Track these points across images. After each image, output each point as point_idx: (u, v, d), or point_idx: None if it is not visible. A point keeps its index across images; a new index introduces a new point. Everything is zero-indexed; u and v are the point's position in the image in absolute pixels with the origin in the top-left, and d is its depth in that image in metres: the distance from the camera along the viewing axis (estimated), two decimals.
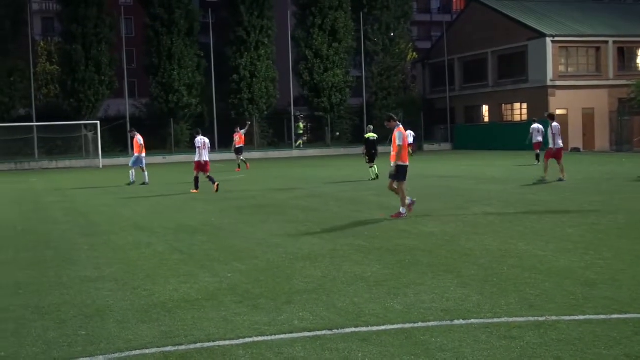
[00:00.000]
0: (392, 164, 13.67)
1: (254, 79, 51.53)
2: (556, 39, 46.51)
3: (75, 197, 21.63)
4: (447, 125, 55.71)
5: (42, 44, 58.90)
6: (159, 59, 49.51)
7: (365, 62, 55.36)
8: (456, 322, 6.29)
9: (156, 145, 50.93)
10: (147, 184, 24.85)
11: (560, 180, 20.69)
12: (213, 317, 6.70)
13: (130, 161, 25.89)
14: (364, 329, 6.17)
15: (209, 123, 50.96)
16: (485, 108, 53.53)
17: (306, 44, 53.27)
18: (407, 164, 13.80)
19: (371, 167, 23.83)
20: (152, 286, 8.16)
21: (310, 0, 53.27)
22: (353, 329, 6.17)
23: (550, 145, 21.25)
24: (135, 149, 25.40)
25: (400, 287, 7.70)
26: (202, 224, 13.74)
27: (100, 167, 42.29)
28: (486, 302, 6.95)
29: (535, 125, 30.68)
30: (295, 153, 51.37)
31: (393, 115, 14.04)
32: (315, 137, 57.38)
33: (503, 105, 51.53)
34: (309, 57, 53.19)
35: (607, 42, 47.71)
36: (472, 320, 6.31)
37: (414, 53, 63.22)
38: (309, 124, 57.37)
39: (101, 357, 5.68)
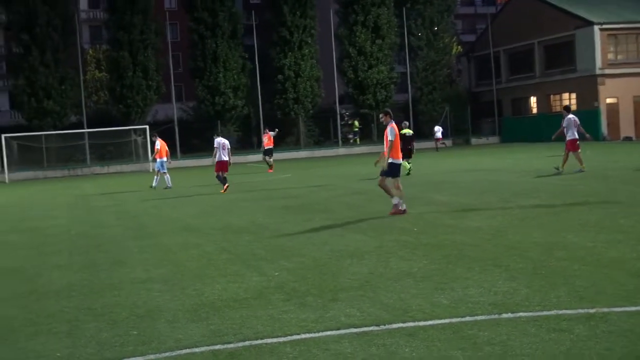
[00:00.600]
0: (385, 160, 13.64)
1: (299, 79, 51.71)
2: (604, 26, 45.62)
3: (125, 200, 22.02)
4: (494, 118, 55.06)
5: (90, 51, 60.09)
6: (204, 62, 50.04)
7: (409, 58, 55.11)
8: (504, 315, 6.23)
9: (204, 148, 51.45)
10: (170, 187, 24.93)
11: (580, 171, 20.67)
12: (261, 315, 6.77)
13: (155, 166, 26.10)
14: (411, 324, 6.16)
15: (255, 124, 51.34)
16: (532, 99, 52.78)
17: (349, 42, 53.26)
18: (400, 161, 13.81)
19: (408, 163, 23.97)
20: (201, 286, 8.27)
21: None
22: (400, 325, 6.16)
23: (569, 137, 21.27)
24: (157, 154, 25.58)
25: (447, 281, 7.66)
26: (249, 223, 13.86)
27: (150, 170, 42.87)
28: (535, 295, 6.87)
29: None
30: (341, 151, 51.41)
31: (389, 111, 14.05)
32: (362, 135, 57.31)
33: (551, 96, 50.74)
34: (352, 55, 53.16)
35: None
36: (521, 314, 6.24)
37: (459, 46, 62.70)
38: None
39: (152, 356, 5.79)
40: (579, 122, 21.43)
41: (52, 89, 46.90)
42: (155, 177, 25.91)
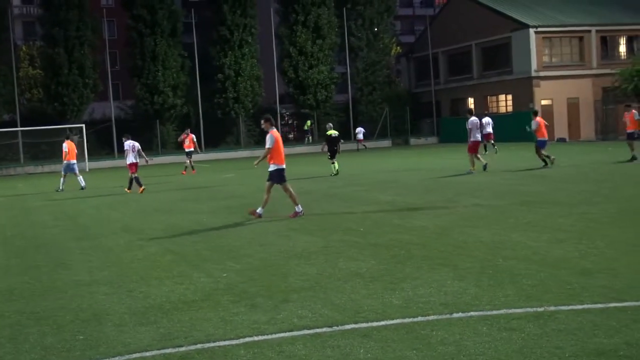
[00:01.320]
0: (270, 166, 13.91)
1: (239, 78, 51.40)
2: (539, 29, 46.65)
3: (62, 201, 21.48)
4: (433, 119, 55.76)
5: (24, 48, 58.47)
6: (143, 60, 49.28)
7: (349, 58, 55.36)
8: (455, 315, 6.29)
9: (142, 147, 50.57)
10: (84, 188, 24.62)
11: (470, 172, 21.67)
12: (211, 318, 6.67)
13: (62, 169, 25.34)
14: (364, 325, 6.16)
15: (195, 123, 50.82)
16: (470, 100, 53.62)
17: (290, 41, 53.21)
18: (283, 166, 13.90)
19: (333, 163, 24.77)
20: (147, 288, 8.11)
21: None
22: (353, 326, 6.15)
23: (472, 139, 22.20)
24: (66, 156, 24.84)
25: (397, 281, 7.69)
26: (193, 223, 13.68)
27: (87, 170, 41.97)
28: (484, 294, 6.95)
29: (486, 118, 32.95)
30: None
31: (270, 117, 14.17)
32: (301, 135, 57.30)
33: (488, 97, 51.66)
34: (293, 55, 53.13)
35: (589, 31, 47.90)
36: (472, 313, 6.31)
37: (398, 47, 63.31)
38: (294, 121, 57.37)
39: None
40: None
41: None
42: (62, 179, 25.08)
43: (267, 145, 13.69)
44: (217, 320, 6.59)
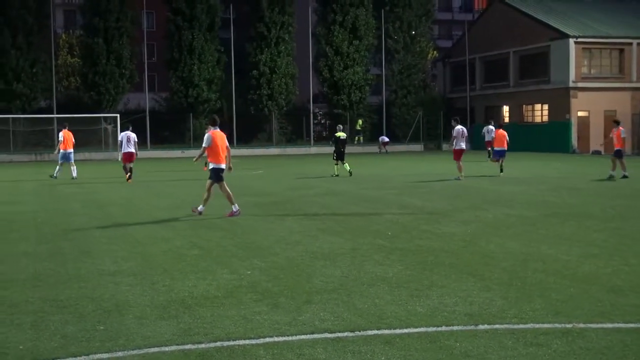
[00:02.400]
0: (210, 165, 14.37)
1: (274, 75, 51.44)
2: (579, 39, 46.02)
3: (93, 189, 21.64)
4: (467, 125, 55.28)
5: (63, 36, 59.15)
6: (180, 53, 49.55)
7: (385, 60, 55.12)
8: (480, 326, 6.15)
9: (174, 140, 51.04)
10: (75, 178, 24.99)
11: (458, 179, 22.43)
12: (233, 315, 6.61)
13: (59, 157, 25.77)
14: (387, 331, 6.05)
15: (228, 118, 51.02)
16: (505, 108, 53.10)
17: (326, 41, 53.13)
18: (221, 166, 14.24)
19: (336, 164, 25.28)
20: (171, 282, 8.08)
21: None
22: (375, 332, 6.05)
23: (455, 147, 23.13)
24: (61, 144, 25.40)
25: (423, 289, 7.56)
26: (220, 219, 13.66)
27: (119, 159, 42.32)
28: (511, 307, 6.80)
29: (489, 127, 36.25)
30: (313, 150, 51.23)
31: (213, 118, 14.72)
32: (334, 135, 57.14)
33: (524, 106, 51.09)
34: (329, 54, 53.04)
35: (631, 43, 47.12)
36: (497, 326, 6.17)
37: (435, 51, 62.86)
38: (323, 120, 57.22)
39: (120, 353, 5.60)
40: (466, 134, 23.71)
41: (22, 72, 46.05)
42: (58, 167, 25.69)
43: (203, 144, 14.24)
44: (238, 318, 6.52)
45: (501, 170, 24.13)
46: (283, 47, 51.76)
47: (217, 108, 51.28)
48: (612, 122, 25.71)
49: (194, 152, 47.26)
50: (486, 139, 35.65)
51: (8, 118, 44.59)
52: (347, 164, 25.25)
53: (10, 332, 6.18)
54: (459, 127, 23.28)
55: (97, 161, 42.73)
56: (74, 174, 25.27)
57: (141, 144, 48.49)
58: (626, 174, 22.70)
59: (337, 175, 24.85)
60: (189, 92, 49.59)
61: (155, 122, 49.98)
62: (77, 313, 6.78)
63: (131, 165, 23.94)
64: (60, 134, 25.76)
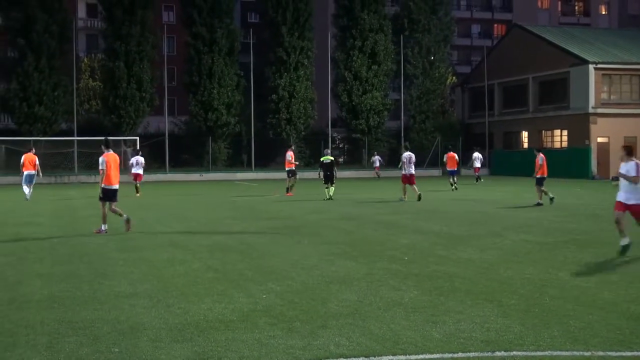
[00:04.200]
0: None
1: (293, 99, 51.71)
2: (599, 65, 45.91)
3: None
4: (485, 151, 55.12)
5: (85, 60, 59.90)
6: (200, 77, 50.00)
7: (404, 85, 55.28)
8: (498, 353, 6.08)
9: (193, 163, 51.32)
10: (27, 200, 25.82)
11: (401, 200, 24.52)
12: (247, 339, 6.58)
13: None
14: (402, 357, 6.00)
15: (247, 142, 51.25)
16: (524, 134, 52.96)
17: (345, 66, 53.42)
18: (112, 187, 15.43)
19: (327, 187, 25.56)
20: (186, 304, 8.07)
21: (350, 23, 53.49)
22: (391, 357, 6.00)
23: (404, 172, 24.92)
24: (23, 166, 26.51)
25: (439, 314, 7.50)
26: (237, 242, 13.67)
27: (131, 179, 42.54)
28: (528, 333, 6.72)
29: (476, 154, 38.96)
30: None
31: (106, 141, 15.80)
32: (352, 159, 57.24)
33: (543, 131, 50.93)
34: (347, 79, 53.30)
35: None
36: (515, 353, 6.10)
37: (454, 77, 62.98)
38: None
39: None
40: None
41: (44, 94, 46.67)
42: (28, 189, 26.52)
43: (100, 167, 15.34)
44: (252, 342, 6.49)
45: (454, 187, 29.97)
46: (302, 72, 52.08)
47: (236, 132, 51.58)
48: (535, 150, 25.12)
49: (213, 175, 47.64)
50: (475, 165, 38.60)
51: (29, 140, 45.04)
52: (332, 188, 25.54)
53: (25, 354, 6.19)
54: (407, 153, 25.26)
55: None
56: (27, 196, 26.15)
57: (160, 167, 49.06)
58: None
59: (330, 199, 25.13)
60: (208, 115, 49.95)
61: (175, 145, 50.30)
62: (92, 335, 6.78)
63: (137, 183, 29.42)
64: (23, 156, 26.95)
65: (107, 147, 15.53)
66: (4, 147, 44.19)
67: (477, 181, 38.40)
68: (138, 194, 28.45)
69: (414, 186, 24.63)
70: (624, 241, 11.64)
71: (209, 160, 50.30)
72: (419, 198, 23.94)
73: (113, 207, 15.57)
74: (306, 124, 52.89)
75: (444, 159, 35.73)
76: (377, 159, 47.80)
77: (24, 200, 26.12)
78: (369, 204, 23.83)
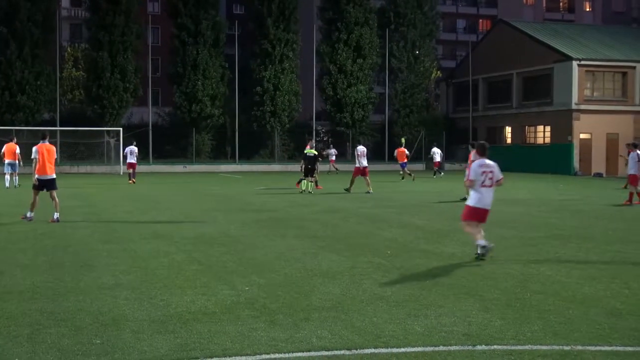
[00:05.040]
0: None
1: (277, 92, 51.64)
2: (582, 62, 46.19)
3: (96, 202, 21.67)
4: (469, 145, 55.24)
5: (69, 49, 59.44)
6: (184, 68, 49.79)
7: (389, 79, 55.33)
8: (478, 347, 6.13)
9: (177, 154, 51.16)
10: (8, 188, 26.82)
11: (368, 192, 25.00)
12: (230, 331, 6.59)
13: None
14: (384, 350, 6.04)
15: (231, 134, 51.16)
16: (508, 129, 53.21)
17: (330, 59, 53.39)
18: (43, 176, 15.65)
19: (303, 179, 25.69)
20: (169, 296, 8.06)
21: (336, 16, 53.44)
22: (372, 350, 6.03)
23: (358, 165, 26.02)
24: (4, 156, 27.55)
25: (421, 308, 7.54)
26: (221, 234, 13.66)
27: (121, 173, 42.40)
28: (509, 327, 6.78)
29: (435, 149, 39.72)
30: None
31: (43, 133, 16.21)
32: (336, 152, 57.24)
33: (526, 127, 51.20)
34: (332, 72, 53.28)
35: (634, 67, 47.28)
36: (495, 347, 6.15)
37: (438, 71, 63.14)
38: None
39: None
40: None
41: (27, 84, 46.27)
42: (14, 178, 27.66)
43: (32, 156, 15.66)
44: (235, 334, 6.51)
45: (402, 178, 32.58)
46: (287, 64, 52.00)
47: (221, 124, 51.46)
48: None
49: (196, 167, 47.54)
50: (435, 160, 39.37)
51: (11, 130, 44.70)
52: (307, 182, 25.45)
53: (6, 345, 6.16)
54: (360, 147, 26.74)
55: (100, 174, 42.79)
56: (7, 185, 27.20)
57: (143, 158, 48.82)
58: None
59: (303, 192, 25.03)
60: (193, 107, 49.77)
61: (158, 136, 50.11)
62: (73, 326, 6.76)
63: (130, 171, 31.72)
64: (4, 146, 27.88)
65: (44, 139, 15.92)
66: None
67: (435, 175, 39.03)
68: (130, 181, 31.08)
69: (367, 178, 25.53)
70: None
71: (192, 151, 50.17)
72: (369, 192, 24.65)
73: (53, 194, 15.90)
74: (291, 116, 52.86)
75: (395, 154, 37.28)
76: (332, 152, 46.04)
77: (4, 188, 26.16)
78: (353, 197, 23.87)
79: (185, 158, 50.56)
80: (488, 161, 10.76)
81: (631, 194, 21.59)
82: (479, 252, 10.60)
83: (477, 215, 10.75)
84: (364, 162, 25.94)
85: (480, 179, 10.60)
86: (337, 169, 44.18)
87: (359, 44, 53.41)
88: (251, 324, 6.85)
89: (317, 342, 6.27)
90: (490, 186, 10.66)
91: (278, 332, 6.57)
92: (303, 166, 26.12)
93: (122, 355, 5.86)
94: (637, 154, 21.57)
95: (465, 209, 10.90)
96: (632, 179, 21.54)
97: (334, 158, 45.42)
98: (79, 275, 9.37)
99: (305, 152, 26.45)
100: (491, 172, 10.65)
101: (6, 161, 27.43)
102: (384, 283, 8.91)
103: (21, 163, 27.82)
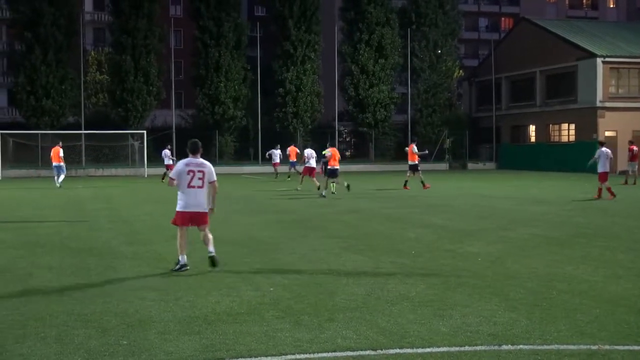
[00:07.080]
0: None
1: (299, 93, 51.69)
2: (607, 59, 45.70)
3: (120, 205, 21.84)
4: (492, 144, 55.04)
5: (92, 53, 59.97)
6: (207, 70, 50.01)
7: (411, 79, 55.17)
8: (504, 347, 6.10)
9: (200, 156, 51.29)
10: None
11: (297, 190, 26.62)
12: (255, 332, 6.62)
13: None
14: (409, 350, 6.02)
15: (254, 135, 51.29)
16: (532, 128, 52.80)
17: (352, 59, 53.34)
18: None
19: (332, 182, 25.11)
20: (194, 298, 8.11)
21: (357, 16, 53.38)
22: (397, 350, 6.02)
23: (306, 165, 27.34)
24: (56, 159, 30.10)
25: (446, 308, 7.52)
26: (244, 236, 13.71)
27: (145, 176, 42.73)
28: (535, 327, 6.74)
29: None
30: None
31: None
32: (358, 153, 57.24)
33: (550, 125, 50.78)
34: (354, 73, 53.24)
35: None
36: (521, 346, 6.11)
37: (461, 71, 62.85)
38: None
39: None
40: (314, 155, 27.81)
41: (52, 88, 46.79)
42: (56, 178, 30.12)
43: None
44: (260, 334, 6.53)
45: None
46: (309, 65, 52.03)
47: (243, 125, 51.62)
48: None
49: (220, 169, 47.60)
50: (274, 161, 38.95)
51: (37, 134, 45.26)
52: (332, 184, 24.87)
53: (35, 346, 6.24)
54: (309, 150, 28.51)
55: (124, 177, 43.10)
56: (58, 184, 29.75)
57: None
58: None
59: (333, 193, 24.74)
60: (215, 109, 49.98)
61: (182, 138, 50.27)
62: (100, 327, 6.82)
63: (167, 172, 32.30)
64: (52, 150, 30.87)
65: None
66: (12, 140, 44.36)
67: (276, 176, 37.30)
68: (163, 180, 33.27)
69: (314, 179, 26.29)
70: None
71: (215, 153, 50.35)
72: (318, 188, 24.84)
73: None
74: (313, 117, 52.87)
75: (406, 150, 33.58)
76: (277, 153, 39.78)
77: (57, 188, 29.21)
78: (374, 197, 23.84)
79: (208, 160, 50.61)
80: (199, 160, 10.33)
81: (600, 189, 22.65)
82: (175, 268, 9.90)
83: (187, 219, 10.19)
84: (313, 163, 27.38)
85: (186, 178, 10.12)
86: (277, 173, 39.02)
87: (381, 44, 53.31)
88: (276, 325, 6.87)
89: (342, 342, 6.27)
90: (201, 187, 10.17)
91: (303, 333, 6.58)
92: (324, 167, 26.05)
93: (149, 356, 5.90)
94: (602, 151, 23.21)
95: (175, 215, 10.29)
96: (602, 176, 22.67)
97: (278, 160, 39.61)
98: (105, 277, 9.46)
99: (323, 152, 26.04)
100: (200, 171, 10.19)
101: (53, 164, 30.32)
102: (408, 283, 8.89)
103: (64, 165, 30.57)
